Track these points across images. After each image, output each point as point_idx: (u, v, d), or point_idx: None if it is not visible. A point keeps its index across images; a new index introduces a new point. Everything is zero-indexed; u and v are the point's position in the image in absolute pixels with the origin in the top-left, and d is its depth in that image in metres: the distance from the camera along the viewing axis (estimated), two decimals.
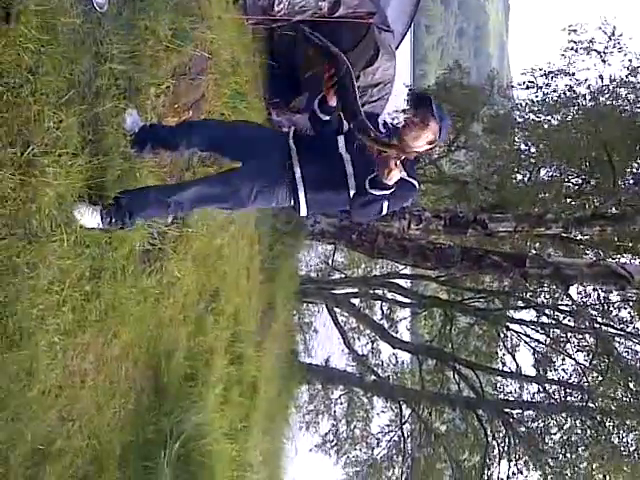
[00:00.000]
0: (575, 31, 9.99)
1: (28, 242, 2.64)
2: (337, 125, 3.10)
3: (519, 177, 11.96)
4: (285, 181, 3.03)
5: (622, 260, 9.59)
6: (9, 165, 2.50)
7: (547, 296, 11.78)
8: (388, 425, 14.57)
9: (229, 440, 4.96)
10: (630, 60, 9.50)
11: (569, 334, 12.08)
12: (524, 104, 12.17)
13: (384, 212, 2.95)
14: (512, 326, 12.78)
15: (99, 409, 3.35)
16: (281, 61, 6.63)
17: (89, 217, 2.96)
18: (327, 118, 3.08)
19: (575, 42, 9.96)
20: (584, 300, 11.13)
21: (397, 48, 6.94)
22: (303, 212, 3.10)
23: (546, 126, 11.43)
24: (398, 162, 2.69)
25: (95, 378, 3.29)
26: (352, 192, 2.96)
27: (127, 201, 3.03)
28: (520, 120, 12.44)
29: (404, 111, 13.56)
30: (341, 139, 3.03)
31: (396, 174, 2.70)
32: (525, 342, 12.58)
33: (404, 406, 13.65)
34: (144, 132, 3.39)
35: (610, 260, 8.11)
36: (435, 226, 7.86)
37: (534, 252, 9.85)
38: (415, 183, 3.00)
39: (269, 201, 3.10)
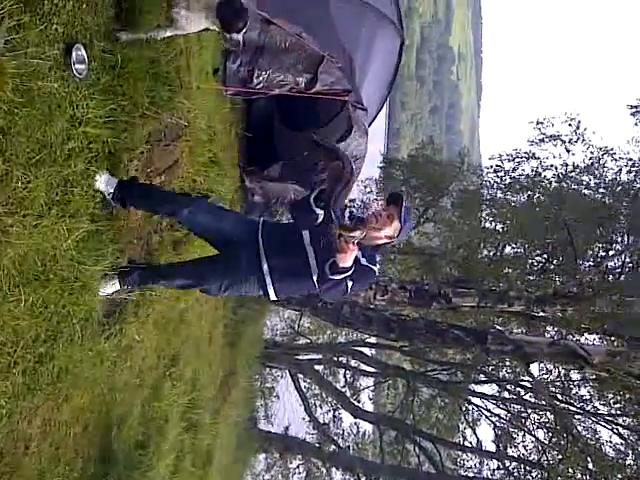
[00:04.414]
0: (542, 124, 10.56)
1: None
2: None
3: (484, 253, 12.17)
4: (253, 275, 3.32)
5: (582, 339, 9.75)
6: None
7: (509, 371, 11.83)
8: None
9: None
10: (592, 152, 10.06)
11: (529, 410, 12.07)
12: (492, 182, 12.55)
13: (349, 291, 3.18)
14: (474, 400, 12.74)
15: (41, 477, 3.21)
16: (257, 130, 6.77)
17: (111, 286, 3.53)
18: (320, 212, 3.22)
19: (542, 133, 10.51)
20: (544, 377, 11.19)
21: (369, 126, 7.15)
22: (272, 297, 3.39)
23: (512, 204, 11.76)
24: (354, 245, 2.96)
25: (40, 444, 3.17)
26: (315, 278, 3.23)
27: (134, 275, 3.54)
28: (488, 197, 12.79)
29: (377, 200, 14.00)
30: (306, 234, 3.29)
31: (352, 256, 2.97)
32: (486, 417, 12.52)
33: (363, 478, 13.33)
34: (124, 190, 3.49)
35: (570, 340, 8.21)
36: (400, 297, 7.93)
37: (496, 328, 9.94)
38: (374, 269, 3.28)
39: (238, 292, 3.48)
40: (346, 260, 2.96)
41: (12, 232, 2.67)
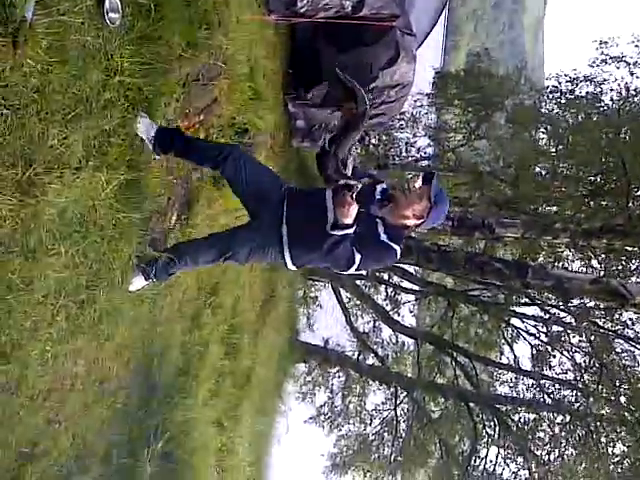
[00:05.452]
0: (606, 43, 9.92)
1: (25, 259, 2.69)
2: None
3: (535, 172, 11.83)
4: (274, 241, 3.23)
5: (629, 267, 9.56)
6: (9, 186, 2.53)
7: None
8: (383, 403, 14.78)
9: (217, 432, 5.08)
10: None
11: (569, 331, 12.07)
12: (549, 99, 12.01)
13: (356, 263, 3.00)
14: (513, 320, 12.81)
15: (87, 409, 3.45)
16: (302, 52, 6.57)
17: (138, 282, 3.56)
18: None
19: (605, 54, 9.93)
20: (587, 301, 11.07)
21: (420, 45, 6.87)
22: (291, 267, 3.35)
23: (568, 124, 11.28)
24: (352, 199, 2.84)
25: (85, 381, 3.38)
26: None
27: (158, 264, 3.54)
28: (543, 114, 12.30)
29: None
30: (329, 192, 3.14)
31: (353, 210, 2.85)
32: (523, 338, 12.62)
33: (399, 388, 13.81)
34: (165, 137, 3.48)
35: (613, 278, 8.05)
36: (443, 227, 7.86)
37: (539, 260, 9.78)
38: (396, 248, 3.10)
39: (263, 259, 3.43)
40: (345, 214, 2.85)
41: (50, 190, 2.72)
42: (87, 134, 2.97)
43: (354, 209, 2.85)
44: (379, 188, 3.15)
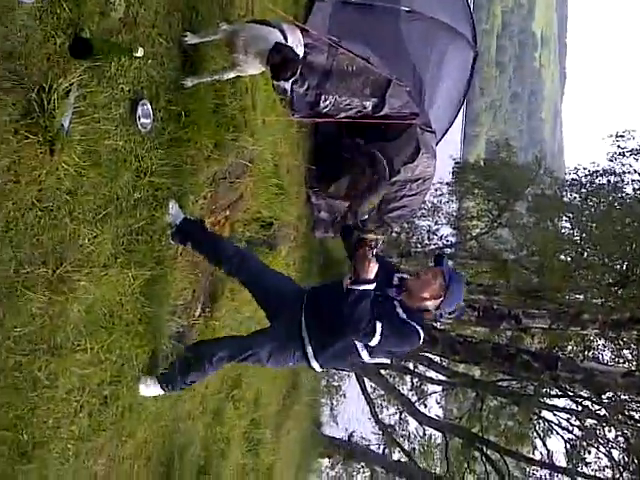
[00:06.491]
0: (622, 137, 10.15)
1: (51, 355, 2.72)
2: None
3: (559, 260, 11.74)
4: (297, 347, 3.24)
5: None
6: (40, 284, 2.59)
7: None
8: None
9: None
10: None
11: (604, 425, 11.57)
12: (570, 189, 12.13)
13: (378, 332, 2.90)
14: (545, 413, 12.35)
15: None
16: (325, 147, 6.79)
17: (152, 389, 3.47)
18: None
19: (622, 148, 10.16)
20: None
21: (442, 139, 7.08)
22: (317, 369, 3.34)
23: (590, 213, 11.31)
24: (372, 255, 2.85)
25: (104, 479, 3.32)
26: None
27: (176, 369, 3.50)
28: (565, 203, 12.37)
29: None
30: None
31: (374, 266, 2.84)
32: (556, 432, 12.11)
33: None
34: (187, 229, 3.61)
35: None
36: (468, 317, 7.79)
37: (568, 350, 9.55)
38: (419, 329, 3.01)
39: (285, 362, 3.39)
40: (365, 269, 2.82)
41: (79, 287, 2.79)
42: (116, 232, 3.07)
43: (374, 265, 2.83)
44: (396, 277, 3.15)
